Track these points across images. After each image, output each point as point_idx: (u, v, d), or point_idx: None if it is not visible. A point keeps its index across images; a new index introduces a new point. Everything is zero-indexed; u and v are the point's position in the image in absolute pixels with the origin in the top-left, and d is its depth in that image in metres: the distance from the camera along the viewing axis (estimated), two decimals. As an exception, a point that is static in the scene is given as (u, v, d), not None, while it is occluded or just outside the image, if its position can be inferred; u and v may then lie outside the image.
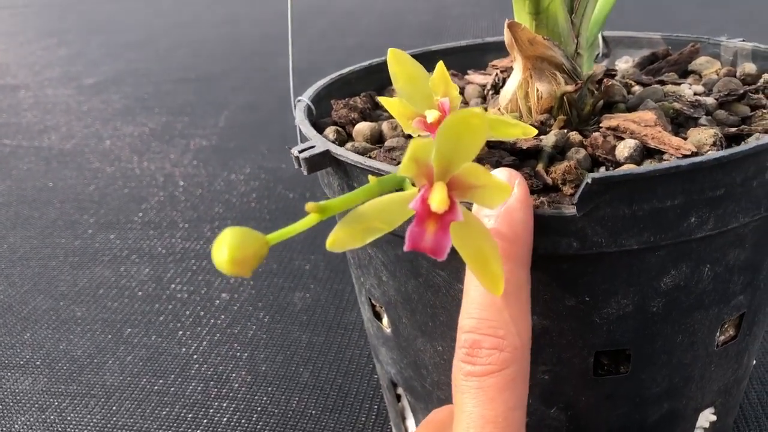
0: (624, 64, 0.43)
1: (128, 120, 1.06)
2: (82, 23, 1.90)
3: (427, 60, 0.44)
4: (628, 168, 0.27)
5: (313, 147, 0.29)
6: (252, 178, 0.82)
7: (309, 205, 0.19)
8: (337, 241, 0.20)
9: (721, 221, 0.25)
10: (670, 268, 0.26)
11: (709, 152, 0.28)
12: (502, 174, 0.23)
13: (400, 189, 0.23)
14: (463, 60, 0.45)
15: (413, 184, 0.23)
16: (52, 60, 1.47)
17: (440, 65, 0.27)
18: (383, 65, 0.43)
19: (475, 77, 0.42)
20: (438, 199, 0.19)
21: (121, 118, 1.07)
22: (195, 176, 0.84)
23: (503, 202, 0.19)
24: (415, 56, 0.44)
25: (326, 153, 0.28)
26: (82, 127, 1.04)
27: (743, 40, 0.39)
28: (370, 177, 0.22)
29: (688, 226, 0.24)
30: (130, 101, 1.15)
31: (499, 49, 0.45)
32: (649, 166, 0.23)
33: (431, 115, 0.27)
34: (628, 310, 0.27)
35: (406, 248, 0.20)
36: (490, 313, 0.22)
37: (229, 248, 0.16)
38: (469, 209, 0.23)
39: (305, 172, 0.28)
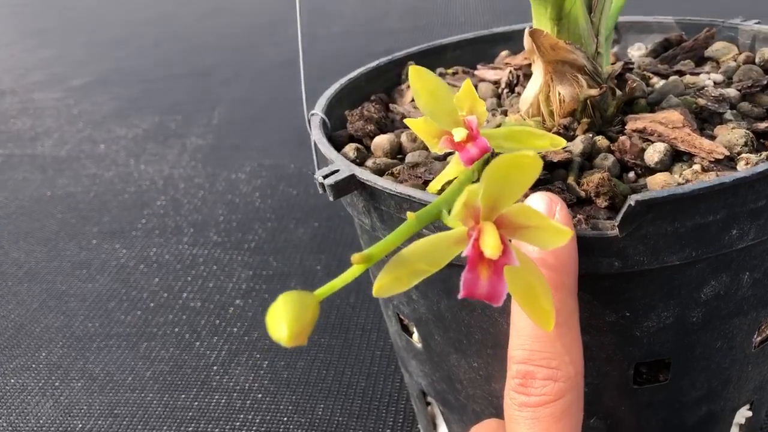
0: (636, 51, 0.42)
1: (120, 122, 1.04)
2: (62, 22, 1.86)
3: (436, 54, 0.44)
4: (665, 177, 0.26)
5: (337, 171, 0.28)
6: (253, 177, 0.81)
7: (355, 257, 0.19)
8: (383, 287, 0.20)
9: (762, 231, 0.24)
10: (711, 279, 0.26)
11: (742, 154, 0.27)
12: (541, 200, 0.23)
13: (438, 220, 0.23)
14: (472, 52, 0.44)
15: (448, 212, 0.22)
16: (35, 62, 1.44)
17: (467, 82, 0.26)
18: (390, 65, 0.42)
19: (487, 73, 0.41)
20: (491, 246, 0.18)
21: (113, 120, 1.05)
22: (195, 177, 0.83)
23: (561, 245, 0.19)
24: (423, 51, 0.44)
25: (351, 177, 0.28)
26: (74, 132, 1.02)
27: (759, 22, 0.38)
28: (408, 214, 0.21)
29: (729, 238, 0.24)
30: (120, 102, 1.13)
31: (509, 40, 0.44)
32: (693, 184, 0.22)
33: (459, 134, 0.26)
34: (668, 322, 0.26)
35: (460, 296, 0.19)
36: (542, 344, 0.22)
37: (288, 325, 0.15)
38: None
39: (331, 198, 0.28)
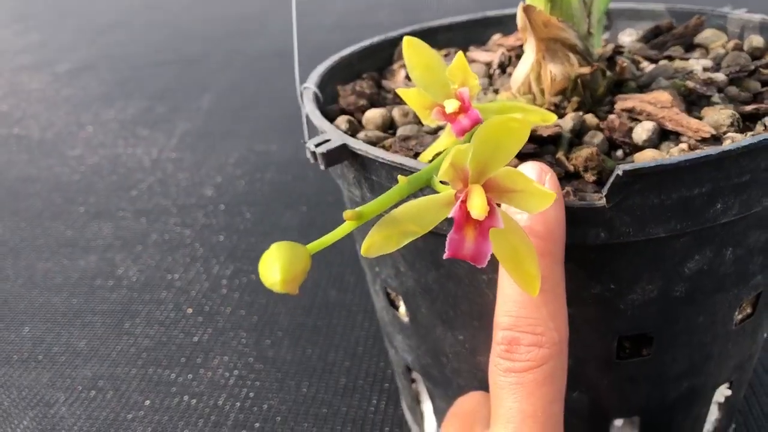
0: (627, 37, 0.42)
1: (108, 105, 1.03)
2: (51, 7, 1.84)
3: (428, 36, 0.44)
4: (653, 154, 0.27)
5: (328, 140, 0.28)
6: (242, 162, 0.81)
7: (347, 213, 0.19)
8: (372, 245, 0.20)
9: (745, 206, 0.25)
10: (695, 253, 0.26)
11: (728, 133, 0.28)
12: (532, 169, 0.23)
13: (429, 186, 0.23)
14: (464, 35, 0.45)
15: (441, 182, 0.22)
16: (23, 46, 1.43)
17: (460, 55, 0.26)
18: (382, 45, 0.42)
19: (478, 54, 0.42)
20: (478, 206, 0.18)
21: (101, 104, 1.04)
22: (182, 161, 0.83)
23: (544, 208, 0.19)
24: (416, 33, 0.44)
25: (343, 147, 0.28)
26: (62, 114, 1.01)
27: (748, 11, 0.39)
28: (399, 177, 0.21)
29: (714, 212, 0.24)
30: (109, 86, 1.12)
31: (500, 24, 0.45)
32: (679, 156, 0.23)
33: (450, 105, 0.26)
34: (652, 296, 0.27)
35: (446, 256, 0.19)
36: (528, 311, 0.22)
37: (281, 269, 0.16)
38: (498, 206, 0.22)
39: (322, 167, 0.28)
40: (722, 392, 0.34)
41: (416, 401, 0.40)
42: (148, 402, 0.46)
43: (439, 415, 0.37)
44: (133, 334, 0.53)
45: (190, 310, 0.55)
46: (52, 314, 0.56)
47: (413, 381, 0.40)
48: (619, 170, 0.22)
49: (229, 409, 0.45)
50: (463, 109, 0.27)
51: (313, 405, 0.45)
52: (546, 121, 0.28)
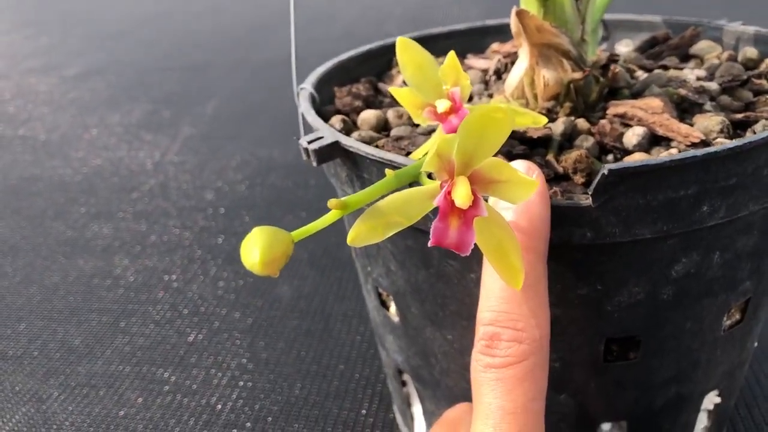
0: (624, 47, 0.43)
1: (114, 109, 1.04)
2: (60, 13, 1.86)
3: (427, 43, 0.44)
4: (642, 158, 0.27)
5: (321, 138, 0.29)
6: (243, 166, 0.81)
7: (331, 202, 0.19)
8: (358, 236, 0.20)
9: (732, 210, 0.25)
10: (682, 257, 0.26)
11: (717, 139, 0.28)
12: (520, 167, 0.23)
13: (416, 181, 0.23)
14: (463, 43, 0.45)
15: (429, 177, 0.23)
16: (32, 50, 1.44)
17: (451, 54, 0.26)
18: (381, 50, 0.43)
19: (476, 62, 0.42)
20: (462, 195, 0.19)
21: (107, 108, 1.05)
22: (185, 164, 0.83)
23: (527, 198, 0.19)
24: (416, 39, 0.44)
25: (336, 144, 0.28)
26: (67, 117, 1.02)
27: (743, 24, 0.39)
28: (387, 171, 0.22)
29: (700, 215, 0.25)
30: (115, 91, 1.13)
31: (500, 33, 0.45)
32: (664, 156, 0.23)
33: (442, 105, 0.27)
34: (639, 298, 0.27)
35: (430, 244, 0.19)
36: (509, 306, 0.23)
37: (260, 250, 0.16)
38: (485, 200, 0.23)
39: (314, 164, 0.28)
40: (711, 399, 0.34)
41: (407, 403, 0.40)
42: (140, 399, 0.46)
43: (428, 416, 0.37)
44: (129, 332, 0.53)
45: (185, 311, 0.56)
46: (48, 311, 0.57)
47: (404, 383, 0.40)
48: (605, 169, 0.23)
49: (221, 408, 0.45)
50: (454, 109, 0.27)
51: (305, 406, 0.45)
52: (537, 123, 0.28)
